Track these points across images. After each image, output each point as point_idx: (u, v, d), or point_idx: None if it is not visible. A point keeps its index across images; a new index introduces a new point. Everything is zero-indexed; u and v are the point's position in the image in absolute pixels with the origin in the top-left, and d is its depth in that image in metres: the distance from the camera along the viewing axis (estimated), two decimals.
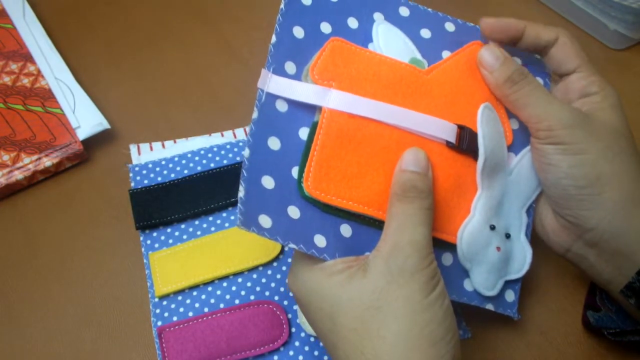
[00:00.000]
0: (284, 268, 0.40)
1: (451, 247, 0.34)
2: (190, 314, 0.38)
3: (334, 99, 0.33)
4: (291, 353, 0.37)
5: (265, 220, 0.30)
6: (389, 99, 0.34)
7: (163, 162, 0.44)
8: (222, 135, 0.47)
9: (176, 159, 0.44)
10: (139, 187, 0.43)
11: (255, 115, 0.32)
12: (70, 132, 0.46)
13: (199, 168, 0.44)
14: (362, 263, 0.30)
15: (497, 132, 0.36)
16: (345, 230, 0.32)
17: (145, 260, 0.40)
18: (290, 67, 0.34)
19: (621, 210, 0.33)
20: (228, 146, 0.45)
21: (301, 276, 0.31)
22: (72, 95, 0.49)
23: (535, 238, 0.37)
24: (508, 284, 0.37)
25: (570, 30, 0.57)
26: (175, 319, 0.38)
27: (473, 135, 0.35)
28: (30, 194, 0.45)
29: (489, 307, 0.36)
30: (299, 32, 0.34)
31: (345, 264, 0.30)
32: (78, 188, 0.45)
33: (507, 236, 0.36)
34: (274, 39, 0.34)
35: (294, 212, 0.31)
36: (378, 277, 0.29)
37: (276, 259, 0.40)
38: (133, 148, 0.46)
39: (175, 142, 0.46)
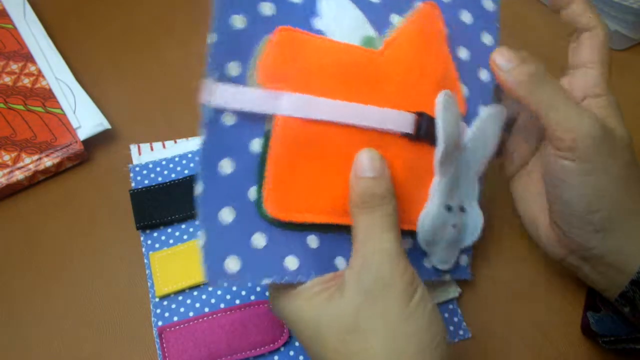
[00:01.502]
0: None
1: (411, 233, 0.34)
2: (191, 314, 0.38)
3: (285, 104, 0.29)
4: (291, 353, 0.37)
5: (233, 263, 0.28)
6: (344, 94, 0.31)
7: (163, 162, 0.44)
8: None
9: (177, 159, 0.44)
10: (140, 187, 0.43)
11: (202, 137, 0.29)
12: (70, 132, 0.46)
13: None
14: (339, 282, 0.29)
15: (456, 117, 0.34)
16: (312, 241, 0.31)
17: (145, 260, 0.40)
18: (234, 68, 0.30)
19: (620, 229, 0.33)
20: None
21: (281, 304, 0.30)
22: (73, 95, 0.49)
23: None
24: (462, 251, 0.37)
25: (570, 30, 0.57)
26: (175, 319, 0.38)
27: (431, 121, 0.33)
28: (30, 194, 0.45)
29: (446, 277, 0.37)
30: (238, 21, 0.30)
31: (323, 285, 0.29)
32: (78, 188, 0.45)
33: (462, 209, 0.36)
34: (212, 37, 0.29)
35: (258, 240, 0.29)
36: (354, 295, 0.28)
37: None
38: (133, 148, 0.46)
39: (175, 142, 0.46)
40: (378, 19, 0.34)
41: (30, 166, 0.44)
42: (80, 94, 0.49)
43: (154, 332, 0.37)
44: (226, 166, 0.29)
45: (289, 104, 0.30)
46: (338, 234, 0.31)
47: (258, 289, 0.39)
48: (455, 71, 0.36)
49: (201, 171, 0.28)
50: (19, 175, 0.44)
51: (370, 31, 0.34)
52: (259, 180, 0.30)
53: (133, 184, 0.43)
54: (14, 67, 0.50)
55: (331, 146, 0.31)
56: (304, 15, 0.32)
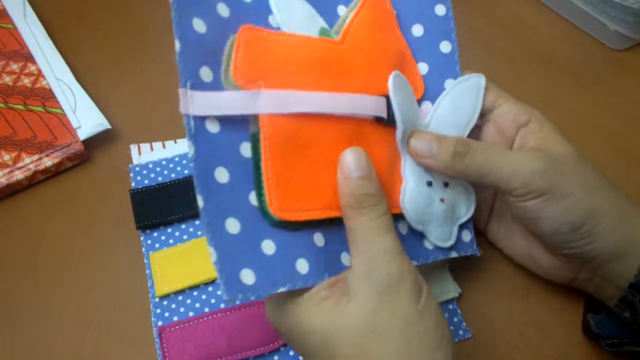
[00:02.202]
0: None
1: (402, 217, 0.35)
2: (191, 314, 0.38)
3: (266, 102, 0.29)
4: (291, 353, 0.37)
5: (247, 276, 0.27)
6: (317, 85, 0.31)
7: (163, 162, 0.44)
8: None
9: (177, 159, 0.44)
10: (140, 187, 0.43)
11: (191, 152, 0.27)
12: (70, 132, 0.46)
13: None
14: (342, 287, 0.29)
15: (409, 96, 0.35)
16: (318, 239, 0.30)
17: (145, 260, 0.40)
18: (206, 73, 0.29)
19: (618, 232, 0.33)
20: None
21: (284, 311, 0.29)
22: (73, 95, 0.49)
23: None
24: (461, 227, 0.37)
25: (570, 30, 0.57)
26: (175, 319, 0.38)
27: (391, 104, 0.33)
28: (30, 194, 0.45)
29: (453, 254, 0.37)
30: (199, 25, 0.29)
31: (327, 290, 0.29)
32: (78, 188, 0.45)
33: (446, 185, 0.36)
34: (177, 45, 0.28)
35: (268, 247, 0.28)
36: (365, 300, 0.28)
37: None
38: (133, 148, 0.46)
39: (175, 142, 0.46)
40: (325, 11, 0.35)
41: (30, 166, 0.44)
42: (80, 94, 0.49)
43: (154, 332, 0.37)
44: (221, 175, 0.28)
45: (268, 102, 0.29)
46: (339, 228, 0.31)
47: None
48: (408, 50, 0.37)
49: (198, 185, 0.27)
50: (19, 175, 0.44)
51: (322, 23, 0.34)
52: (257, 184, 0.29)
53: (133, 184, 0.43)
54: (14, 67, 0.50)
55: (321, 139, 0.31)
56: (258, 14, 0.32)
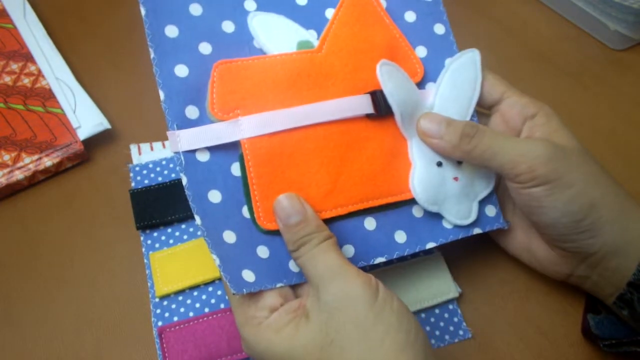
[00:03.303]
0: None
1: (415, 202, 0.35)
2: (191, 314, 0.38)
3: (246, 128, 0.32)
4: None
5: (248, 276, 0.31)
6: (296, 99, 0.33)
7: (163, 162, 0.44)
8: None
9: (177, 159, 0.44)
10: (140, 187, 0.43)
11: (184, 181, 0.31)
12: (70, 132, 0.46)
13: None
14: (303, 310, 0.30)
15: (402, 80, 0.36)
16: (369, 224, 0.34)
17: (145, 261, 0.40)
18: (191, 111, 0.32)
19: (618, 227, 0.33)
20: None
21: (251, 339, 0.30)
22: (73, 95, 0.49)
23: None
24: (484, 202, 0.37)
25: (570, 30, 0.57)
26: (175, 319, 0.38)
27: (383, 94, 0.35)
28: (30, 194, 0.45)
29: (477, 231, 0.37)
30: (181, 70, 0.32)
31: (289, 315, 0.30)
32: (78, 188, 0.45)
33: (459, 163, 0.36)
34: (161, 94, 0.32)
35: (263, 252, 0.32)
36: (318, 314, 0.29)
37: None
38: (133, 148, 0.46)
39: None
40: (311, 18, 0.36)
41: (30, 166, 0.44)
42: (80, 93, 0.49)
43: (154, 332, 0.37)
44: (214, 196, 0.32)
45: (249, 126, 0.32)
46: (331, 226, 0.33)
47: None
48: (403, 38, 0.38)
49: (194, 207, 0.31)
50: (19, 175, 0.44)
51: (304, 34, 0.36)
52: (247, 200, 0.32)
53: (133, 184, 0.43)
54: (14, 66, 0.50)
55: (305, 150, 0.33)
56: (241, 41, 0.34)
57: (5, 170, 0.44)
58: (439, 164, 0.36)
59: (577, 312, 0.39)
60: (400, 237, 0.35)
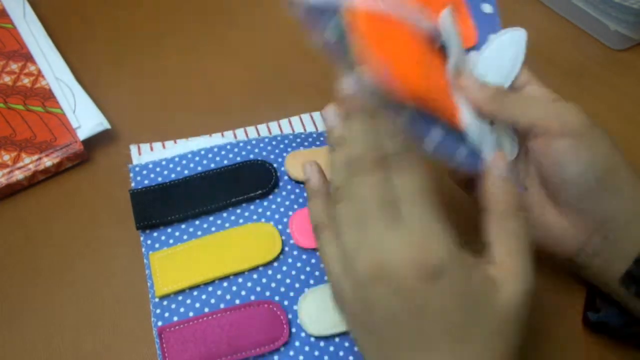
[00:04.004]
0: (284, 268, 0.40)
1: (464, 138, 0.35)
2: (191, 314, 0.38)
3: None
4: (291, 353, 0.37)
5: None
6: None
7: (163, 163, 0.44)
8: (223, 135, 0.47)
9: (176, 159, 0.44)
10: (140, 187, 0.43)
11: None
12: (70, 132, 0.46)
13: (199, 168, 0.44)
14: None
15: (458, 35, 0.36)
16: (436, 134, 0.33)
17: (145, 260, 0.40)
18: None
19: (636, 193, 0.34)
20: (228, 146, 0.45)
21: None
22: (73, 95, 0.49)
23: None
24: None
25: (570, 30, 0.57)
26: (175, 319, 0.38)
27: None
28: (30, 194, 0.45)
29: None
30: None
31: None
32: (78, 188, 0.45)
33: (491, 123, 0.37)
34: None
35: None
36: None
37: (276, 259, 0.40)
38: (133, 148, 0.46)
39: (175, 142, 0.46)
40: None
41: (30, 166, 0.44)
42: (80, 93, 0.49)
43: (154, 332, 0.37)
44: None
45: None
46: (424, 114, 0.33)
47: (258, 289, 0.39)
48: (463, 4, 0.39)
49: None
50: (18, 175, 0.44)
51: None
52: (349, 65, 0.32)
53: (133, 184, 0.43)
54: (14, 66, 0.50)
55: (402, 34, 0.33)
56: None
57: (5, 170, 0.44)
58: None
59: (577, 312, 0.39)
60: (463, 151, 0.35)
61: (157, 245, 0.41)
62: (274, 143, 0.46)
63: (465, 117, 0.35)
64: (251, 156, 0.45)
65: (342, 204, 0.30)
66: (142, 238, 0.41)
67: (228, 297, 0.38)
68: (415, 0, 0.35)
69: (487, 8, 0.40)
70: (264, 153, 0.45)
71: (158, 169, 0.44)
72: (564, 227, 0.36)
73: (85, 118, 0.47)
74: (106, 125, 0.47)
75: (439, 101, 0.34)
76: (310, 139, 0.46)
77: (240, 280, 0.39)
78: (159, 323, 0.38)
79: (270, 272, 0.39)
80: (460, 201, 0.40)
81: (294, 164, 0.44)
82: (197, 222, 0.42)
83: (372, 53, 0.32)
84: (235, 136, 0.47)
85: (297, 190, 0.43)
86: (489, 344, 0.28)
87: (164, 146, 0.46)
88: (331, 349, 0.37)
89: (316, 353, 0.37)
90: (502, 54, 0.38)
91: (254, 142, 0.46)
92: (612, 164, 0.34)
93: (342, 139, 0.31)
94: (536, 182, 0.38)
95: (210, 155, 0.44)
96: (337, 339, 0.37)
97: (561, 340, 0.39)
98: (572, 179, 0.35)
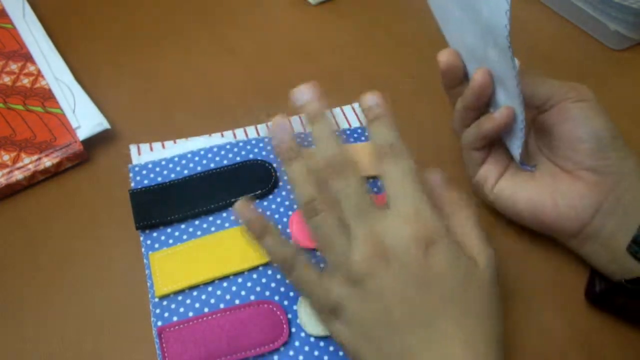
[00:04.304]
0: None
1: None
2: (191, 314, 0.38)
3: None
4: (291, 353, 0.37)
5: None
6: None
7: (163, 163, 0.44)
8: (222, 135, 0.47)
9: (176, 159, 0.44)
10: (139, 187, 0.43)
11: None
12: (70, 132, 0.46)
13: (199, 168, 0.44)
14: None
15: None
16: None
17: (145, 261, 0.40)
18: None
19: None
20: (228, 146, 0.45)
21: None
22: (72, 95, 0.49)
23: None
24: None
25: (570, 30, 0.57)
26: (175, 319, 0.38)
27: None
28: (30, 194, 0.45)
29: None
30: None
31: None
32: (78, 188, 0.45)
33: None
34: None
35: None
36: None
37: None
38: (133, 148, 0.46)
39: (175, 142, 0.46)
40: None
41: (30, 166, 0.44)
42: (80, 94, 0.49)
43: (154, 332, 0.37)
44: None
45: None
46: None
47: (258, 289, 0.39)
48: None
49: None
50: (18, 175, 0.44)
51: None
52: None
53: (133, 184, 0.43)
54: (14, 67, 0.50)
55: None
56: None
57: (5, 171, 0.44)
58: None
59: (577, 311, 0.39)
60: None
61: (157, 245, 0.41)
62: None
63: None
64: (251, 156, 0.45)
65: (323, 215, 0.32)
66: (142, 238, 0.41)
67: (228, 297, 0.38)
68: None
69: None
70: (264, 153, 0.45)
71: (158, 169, 0.44)
72: (579, 191, 0.37)
73: (85, 118, 0.47)
74: (106, 125, 0.47)
75: None
76: (310, 139, 0.46)
77: (240, 280, 0.39)
78: (159, 323, 0.38)
79: (270, 272, 0.39)
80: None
81: None
82: (196, 222, 0.42)
83: None
84: (235, 136, 0.47)
85: None
86: (481, 306, 0.31)
87: (163, 146, 0.46)
88: (331, 349, 0.37)
89: (316, 353, 0.37)
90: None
91: (253, 142, 0.46)
92: (618, 129, 0.37)
93: (298, 151, 0.34)
94: (545, 157, 0.40)
95: (210, 155, 0.44)
96: None
97: (561, 340, 0.38)
98: (589, 134, 0.37)
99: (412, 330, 0.30)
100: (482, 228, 0.34)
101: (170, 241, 0.41)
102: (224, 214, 0.42)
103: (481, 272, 0.32)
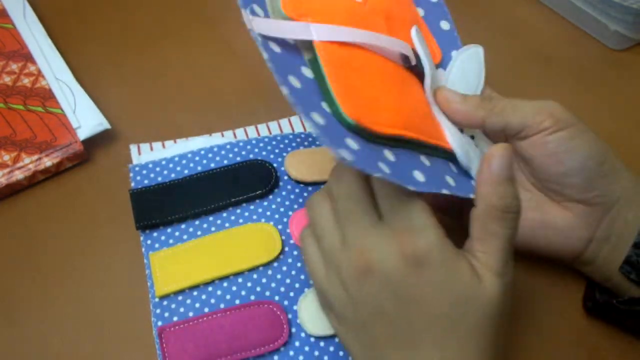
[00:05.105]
0: (284, 268, 0.40)
1: (451, 157, 0.35)
2: (191, 314, 0.38)
3: (318, 32, 0.32)
4: (291, 353, 0.37)
5: (345, 153, 0.27)
6: (354, 25, 0.33)
7: (163, 162, 0.44)
8: (222, 135, 0.47)
9: (176, 159, 0.44)
10: (139, 187, 0.43)
11: (265, 56, 0.30)
12: (70, 132, 0.46)
13: (199, 168, 0.44)
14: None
15: (428, 51, 0.37)
16: (389, 155, 0.31)
17: (145, 260, 0.40)
18: (257, 9, 0.32)
19: (630, 173, 0.35)
20: (228, 146, 0.45)
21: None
22: (73, 95, 0.49)
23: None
24: None
25: (570, 30, 0.57)
26: (175, 319, 0.38)
27: (417, 56, 0.36)
28: (30, 194, 0.45)
29: None
30: None
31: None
32: (78, 188, 0.45)
33: (472, 137, 0.37)
34: None
35: (351, 144, 0.29)
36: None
37: (276, 259, 0.40)
38: (133, 148, 0.46)
39: (175, 142, 0.46)
40: None
41: (30, 166, 0.44)
42: (80, 94, 0.49)
43: (154, 332, 0.37)
44: (294, 81, 0.30)
45: (319, 31, 0.31)
46: (408, 150, 0.32)
47: (258, 289, 0.39)
48: (424, 22, 0.40)
49: (279, 81, 0.29)
50: (18, 175, 0.44)
51: None
52: (327, 98, 0.31)
53: (133, 184, 0.43)
54: (14, 67, 0.50)
55: (368, 67, 0.33)
56: None
57: (5, 170, 0.44)
58: (461, 131, 0.36)
59: (577, 312, 0.39)
60: (450, 181, 0.33)
61: (157, 245, 0.41)
62: (274, 143, 0.46)
63: (450, 135, 0.35)
64: (251, 156, 0.45)
65: (321, 208, 0.32)
66: (142, 238, 0.41)
67: (228, 297, 0.38)
68: (377, 27, 0.35)
69: (444, 25, 0.41)
70: (264, 153, 0.45)
71: (158, 169, 0.44)
72: (570, 222, 0.36)
73: (85, 118, 0.47)
74: (106, 125, 0.47)
75: (424, 126, 0.34)
76: (310, 139, 0.46)
77: (240, 280, 0.39)
78: (159, 323, 0.38)
79: (270, 272, 0.39)
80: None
81: (294, 164, 0.44)
82: (197, 222, 0.42)
83: (347, 89, 0.31)
84: (235, 136, 0.47)
85: (297, 190, 0.43)
86: (474, 336, 0.28)
87: (163, 146, 0.46)
88: (331, 349, 0.37)
89: (316, 353, 0.37)
90: (468, 69, 0.39)
91: (254, 142, 0.46)
92: (604, 149, 0.35)
93: None
94: (530, 184, 0.38)
95: (210, 155, 0.44)
96: (337, 339, 0.37)
97: (561, 340, 0.39)
98: (574, 169, 0.35)
99: (394, 347, 0.29)
100: (510, 250, 0.30)
101: (171, 241, 0.41)
102: (224, 214, 0.42)
103: (487, 299, 0.28)
